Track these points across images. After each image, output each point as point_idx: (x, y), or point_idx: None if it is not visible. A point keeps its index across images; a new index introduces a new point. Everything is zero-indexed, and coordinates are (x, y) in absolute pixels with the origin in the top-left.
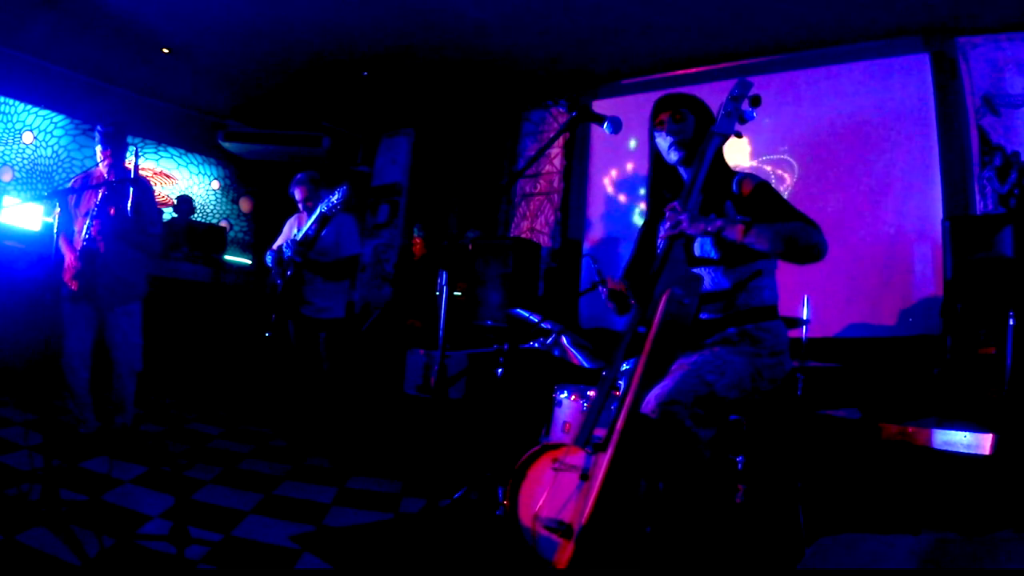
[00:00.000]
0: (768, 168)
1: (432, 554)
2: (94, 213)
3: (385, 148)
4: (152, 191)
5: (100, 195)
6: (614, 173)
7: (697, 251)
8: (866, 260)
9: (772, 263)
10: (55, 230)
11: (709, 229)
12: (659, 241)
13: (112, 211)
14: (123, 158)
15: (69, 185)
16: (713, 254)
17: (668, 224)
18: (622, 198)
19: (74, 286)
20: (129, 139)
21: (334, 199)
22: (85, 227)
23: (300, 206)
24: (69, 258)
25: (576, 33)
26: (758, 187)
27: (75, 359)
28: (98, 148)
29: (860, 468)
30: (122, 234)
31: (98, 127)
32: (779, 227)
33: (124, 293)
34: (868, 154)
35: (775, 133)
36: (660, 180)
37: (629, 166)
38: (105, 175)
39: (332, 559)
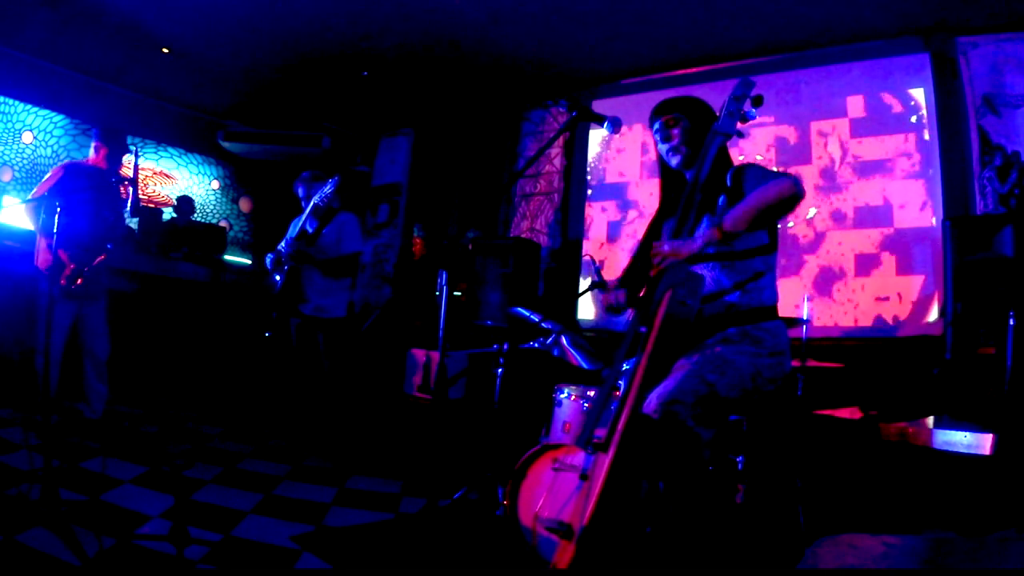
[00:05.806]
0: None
1: (432, 554)
2: (90, 212)
3: (385, 148)
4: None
5: (96, 194)
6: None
7: None
8: (866, 260)
9: (772, 263)
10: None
11: (695, 249)
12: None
13: (107, 210)
14: (120, 156)
15: (51, 173)
16: (711, 251)
17: (657, 260)
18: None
19: (65, 281)
20: (129, 139)
21: (327, 189)
22: (81, 226)
23: (303, 204)
24: (63, 257)
25: (576, 33)
26: (737, 171)
27: (57, 353)
28: (93, 144)
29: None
30: (114, 232)
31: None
32: (745, 202)
33: (106, 285)
34: (867, 153)
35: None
36: (666, 181)
37: (629, 165)
38: (100, 173)
39: (332, 559)
